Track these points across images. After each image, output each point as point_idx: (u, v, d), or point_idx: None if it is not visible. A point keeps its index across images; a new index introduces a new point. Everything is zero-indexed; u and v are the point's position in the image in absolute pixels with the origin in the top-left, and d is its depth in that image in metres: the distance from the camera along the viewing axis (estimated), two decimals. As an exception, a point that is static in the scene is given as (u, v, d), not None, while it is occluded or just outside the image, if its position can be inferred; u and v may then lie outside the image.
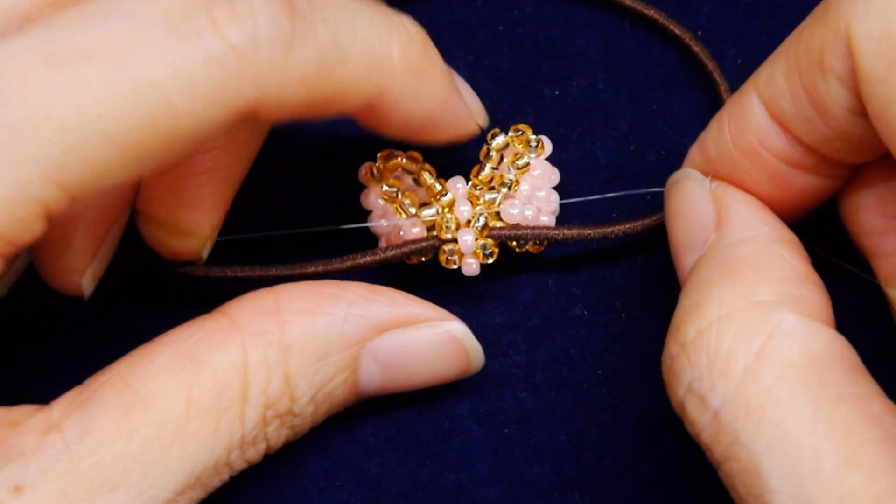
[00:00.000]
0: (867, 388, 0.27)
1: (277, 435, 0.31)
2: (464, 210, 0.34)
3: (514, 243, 0.35)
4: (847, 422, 0.26)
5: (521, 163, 0.35)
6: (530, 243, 0.35)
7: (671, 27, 0.38)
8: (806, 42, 0.29)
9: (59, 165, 0.25)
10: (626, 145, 0.38)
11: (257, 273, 0.34)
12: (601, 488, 0.34)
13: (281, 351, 0.30)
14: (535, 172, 0.35)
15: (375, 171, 0.35)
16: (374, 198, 0.35)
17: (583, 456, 0.35)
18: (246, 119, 0.28)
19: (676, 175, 0.34)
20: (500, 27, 0.40)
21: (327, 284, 0.32)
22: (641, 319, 0.36)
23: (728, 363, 0.27)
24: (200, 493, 0.29)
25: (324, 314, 0.31)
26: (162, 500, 0.28)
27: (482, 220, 0.34)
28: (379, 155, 0.35)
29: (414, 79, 0.31)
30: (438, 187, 0.35)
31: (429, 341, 0.33)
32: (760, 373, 0.27)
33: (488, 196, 0.35)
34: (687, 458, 0.34)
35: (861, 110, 0.28)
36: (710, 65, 0.38)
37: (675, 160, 0.37)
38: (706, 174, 0.32)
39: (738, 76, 0.39)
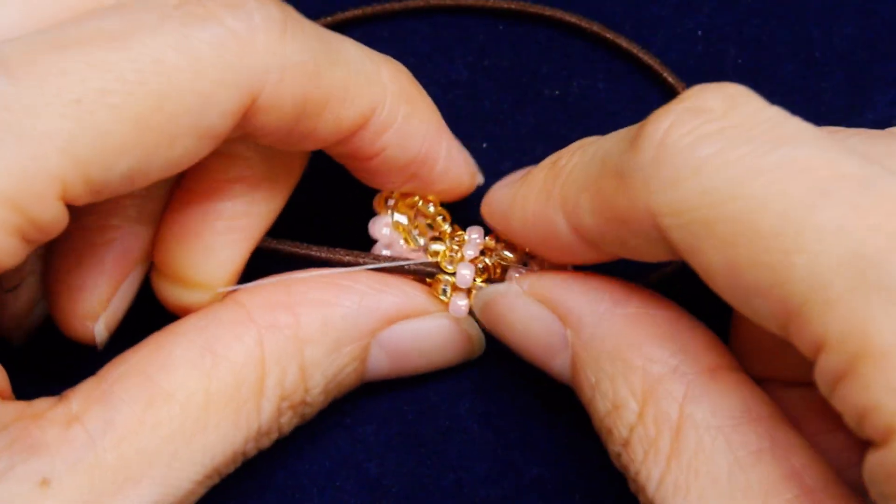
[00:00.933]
0: (787, 440, 0.27)
1: (289, 423, 0.31)
2: (470, 254, 0.34)
3: None
4: (765, 483, 0.26)
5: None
6: None
7: (665, 74, 0.38)
8: (609, 202, 0.27)
9: (71, 138, 0.25)
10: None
11: (286, 248, 0.34)
12: (601, 488, 0.34)
13: (296, 343, 0.30)
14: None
15: (390, 202, 0.34)
16: (382, 227, 0.34)
17: (583, 456, 0.35)
18: (247, 120, 0.28)
19: (484, 297, 0.33)
20: (500, 27, 0.40)
21: (338, 276, 0.32)
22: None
23: (657, 448, 0.27)
24: (216, 480, 0.29)
25: (337, 305, 0.31)
26: (184, 491, 0.28)
27: (487, 262, 0.34)
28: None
29: (405, 103, 0.31)
30: (449, 230, 0.34)
31: (435, 331, 0.33)
32: (681, 448, 0.27)
33: (506, 253, 0.34)
34: (687, 458, 0.34)
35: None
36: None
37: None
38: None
39: (739, 76, 0.39)
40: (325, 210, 0.37)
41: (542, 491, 0.34)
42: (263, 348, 0.30)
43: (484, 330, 0.34)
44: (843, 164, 0.24)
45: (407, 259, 0.34)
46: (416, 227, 0.34)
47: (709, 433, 0.27)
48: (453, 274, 0.34)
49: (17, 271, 0.33)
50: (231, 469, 0.30)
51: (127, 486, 0.27)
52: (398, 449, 0.35)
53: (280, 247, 0.34)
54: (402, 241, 0.34)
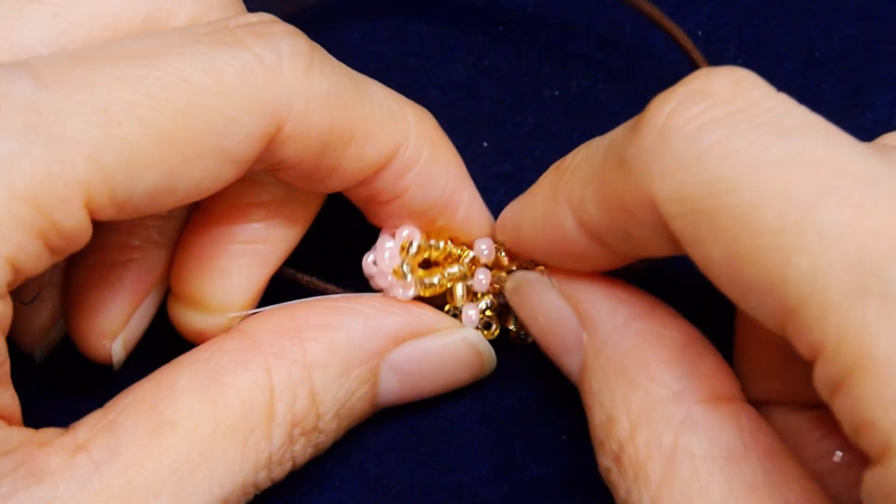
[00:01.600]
0: (783, 473, 0.27)
1: (303, 453, 0.31)
2: (482, 279, 0.34)
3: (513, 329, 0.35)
4: None
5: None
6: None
7: (667, 24, 0.38)
8: (611, 191, 0.27)
9: (98, 146, 0.25)
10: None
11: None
12: (601, 488, 0.34)
13: (304, 369, 0.30)
14: None
15: (407, 275, 0.33)
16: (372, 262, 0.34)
17: (583, 456, 0.35)
18: (270, 146, 0.28)
19: (516, 280, 0.33)
20: (500, 27, 0.40)
21: (342, 299, 0.32)
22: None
23: (647, 471, 0.27)
24: None
25: (342, 329, 0.31)
26: None
27: (487, 303, 0.34)
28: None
29: (429, 144, 0.31)
30: (458, 251, 0.34)
31: (445, 349, 0.33)
32: (674, 476, 0.27)
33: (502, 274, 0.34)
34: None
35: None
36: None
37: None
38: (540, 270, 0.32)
39: (738, 76, 0.39)
40: (339, 241, 0.37)
41: (542, 491, 0.34)
42: (271, 375, 0.29)
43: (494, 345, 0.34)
44: (850, 160, 0.23)
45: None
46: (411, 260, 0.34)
47: (704, 464, 0.27)
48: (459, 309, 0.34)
49: (35, 282, 0.33)
50: (243, 500, 0.29)
51: None
52: (398, 449, 0.35)
53: (299, 276, 0.34)
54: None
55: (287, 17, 0.39)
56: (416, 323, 0.32)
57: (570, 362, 0.31)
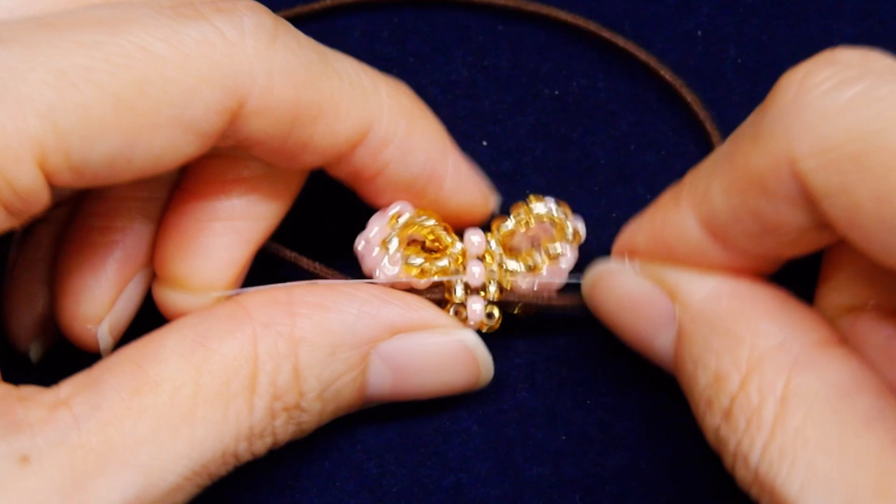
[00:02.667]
0: (894, 409, 0.27)
1: (284, 430, 0.30)
2: (476, 272, 0.33)
3: (517, 309, 0.35)
4: (876, 449, 0.26)
5: (553, 251, 0.34)
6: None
7: (662, 72, 0.38)
8: (743, 166, 0.28)
9: (52, 106, 0.25)
10: (626, 145, 0.38)
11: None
12: (601, 488, 0.34)
13: (291, 343, 0.30)
14: (563, 265, 0.34)
15: (392, 243, 0.33)
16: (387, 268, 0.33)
17: (583, 456, 0.35)
18: (235, 121, 0.28)
19: (595, 274, 0.33)
20: (500, 27, 0.40)
21: (342, 283, 0.32)
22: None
23: (760, 417, 0.27)
24: (206, 481, 0.29)
25: (336, 310, 0.31)
26: (169, 484, 0.27)
27: (493, 288, 0.34)
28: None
29: (405, 118, 0.31)
30: (449, 240, 0.34)
31: (440, 348, 0.32)
32: (787, 416, 0.27)
33: (511, 264, 0.34)
34: (687, 458, 0.34)
35: (816, 222, 0.27)
36: (702, 113, 0.37)
37: (676, 160, 0.37)
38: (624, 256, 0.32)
39: (739, 76, 0.39)
40: (330, 221, 0.37)
41: (542, 491, 0.34)
42: (256, 345, 0.29)
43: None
44: None
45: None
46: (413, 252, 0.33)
47: (817, 403, 0.27)
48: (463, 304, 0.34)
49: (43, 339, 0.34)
50: (222, 471, 0.29)
51: (110, 470, 0.26)
52: (398, 449, 0.35)
53: (285, 253, 0.34)
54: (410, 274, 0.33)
55: (287, 17, 0.39)
56: (414, 316, 0.32)
57: (662, 341, 0.31)
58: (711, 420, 0.29)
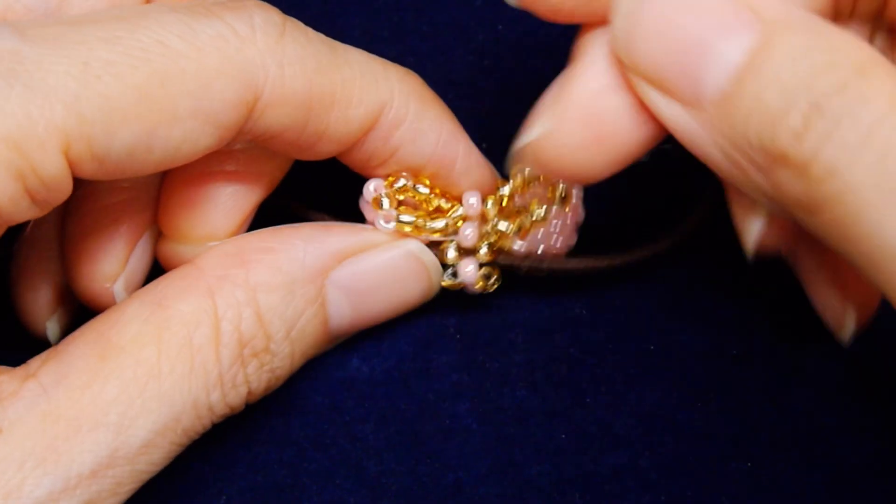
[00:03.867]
0: None
1: (258, 378, 0.31)
2: (468, 234, 0.34)
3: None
4: None
5: (540, 213, 0.34)
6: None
7: None
8: None
9: (77, 96, 0.26)
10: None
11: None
12: (601, 488, 0.34)
13: (248, 290, 0.31)
14: (553, 228, 0.34)
15: (384, 203, 0.34)
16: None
17: (583, 455, 0.35)
18: (252, 112, 0.29)
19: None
20: (500, 27, 0.40)
21: (283, 226, 0.33)
22: (642, 318, 0.36)
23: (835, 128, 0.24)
24: (182, 438, 0.29)
25: (283, 250, 0.32)
26: (141, 440, 0.28)
27: (485, 249, 0.34)
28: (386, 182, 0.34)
29: (415, 101, 0.32)
30: (448, 205, 0.34)
31: (389, 262, 0.33)
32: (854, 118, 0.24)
33: (501, 225, 0.34)
34: (687, 457, 0.34)
35: None
36: None
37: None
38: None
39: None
40: (340, 174, 0.37)
41: (542, 490, 0.34)
42: (214, 297, 0.30)
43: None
44: None
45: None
46: (413, 213, 0.34)
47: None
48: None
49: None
50: (198, 426, 0.30)
51: (82, 433, 0.27)
52: (398, 448, 0.35)
53: (293, 206, 0.34)
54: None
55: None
56: (357, 240, 0.33)
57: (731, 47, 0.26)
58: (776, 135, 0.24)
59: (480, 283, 0.34)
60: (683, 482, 0.34)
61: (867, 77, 0.24)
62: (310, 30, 0.31)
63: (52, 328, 0.35)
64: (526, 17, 0.40)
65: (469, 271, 0.34)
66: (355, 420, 0.35)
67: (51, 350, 0.29)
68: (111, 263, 0.33)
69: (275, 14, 0.30)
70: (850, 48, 0.25)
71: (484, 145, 0.38)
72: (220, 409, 0.30)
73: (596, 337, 0.36)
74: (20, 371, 0.28)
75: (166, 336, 0.29)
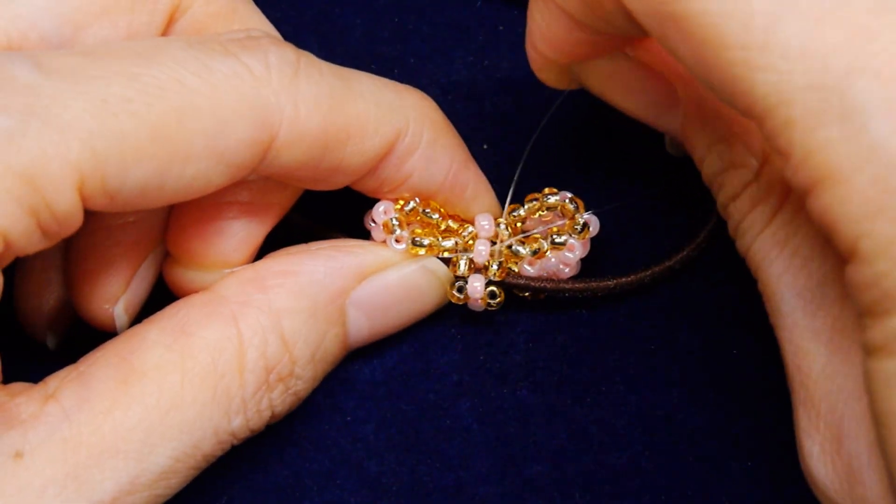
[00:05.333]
0: None
1: (283, 401, 0.31)
2: (482, 251, 0.34)
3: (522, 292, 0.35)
4: None
5: (558, 241, 0.34)
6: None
7: None
8: None
9: (93, 133, 0.26)
10: (626, 144, 0.38)
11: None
12: (601, 487, 0.34)
13: (272, 315, 0.31)
14: (570, 255, 0.35)
15: (395, 227, 0.34)
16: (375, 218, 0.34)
17: (583, 455, 0.35)
18: (268, 152, 0.29)
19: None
20: (500, 27, 0.40)
21: (298, 248, 0.33)
22: (642, 317, 0.36)
23: (767, 204, 0.29)
24: (201, 462, 0.29)
25: (304, 273, 0.32)
26: (161, 467, 0.28)
27: (495, 267, 0.34)
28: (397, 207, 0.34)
29: (429, 128, 0.32)
30: (456, 225, 0.35)
31: (408, 280, 0.34)
32: (786, 207, 0.28)
33: (518, 247, 0.35)
34: (687, 457, 0.34)
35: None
36: None
37: (677, 158, 0.37)
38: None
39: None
40: (347, 198, 0.37)
41: (542, 490, 0.34)
42: (238, 324, 0.30)
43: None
44: None
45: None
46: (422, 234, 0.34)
47: None
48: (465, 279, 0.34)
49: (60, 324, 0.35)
50: (217, 451, 0.30)
51: (103, 460, 0.27)
52: (398, 448, 0.35)
53: (303, 224, 0.35)
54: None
55: (287, 17, 0.39)
56: (375, 258, 0.33)
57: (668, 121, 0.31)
58: (723, 199, 0.30)
59: (484, 300, 0.34)
60: (683, 482, 0.34)
61: None
62: (323, 64, 0.31)
63: (52, 337, 0.35)
64: (526, 18, 0.40)
65: (476, 287, 0.34)
66: (356, 420, 0.35)
67: (69, 369, 0.29)
68: (113, 284, 0.33)
69: (289, 51, 0.30)
70: None
71: (484, 146, 0.39)
72: (242, 433, 0.30)
73: (596, 337, 0.36)
74: (39, 390, 0.28)
75: (190, 364, 0.29)
